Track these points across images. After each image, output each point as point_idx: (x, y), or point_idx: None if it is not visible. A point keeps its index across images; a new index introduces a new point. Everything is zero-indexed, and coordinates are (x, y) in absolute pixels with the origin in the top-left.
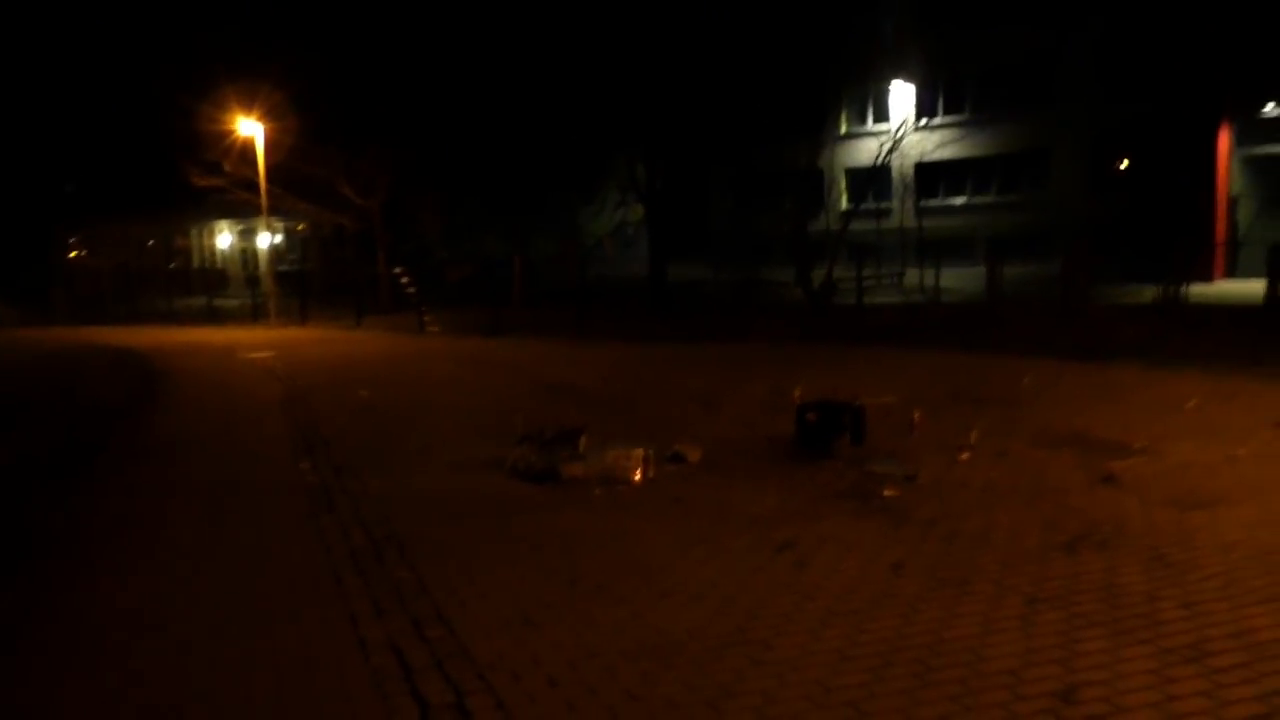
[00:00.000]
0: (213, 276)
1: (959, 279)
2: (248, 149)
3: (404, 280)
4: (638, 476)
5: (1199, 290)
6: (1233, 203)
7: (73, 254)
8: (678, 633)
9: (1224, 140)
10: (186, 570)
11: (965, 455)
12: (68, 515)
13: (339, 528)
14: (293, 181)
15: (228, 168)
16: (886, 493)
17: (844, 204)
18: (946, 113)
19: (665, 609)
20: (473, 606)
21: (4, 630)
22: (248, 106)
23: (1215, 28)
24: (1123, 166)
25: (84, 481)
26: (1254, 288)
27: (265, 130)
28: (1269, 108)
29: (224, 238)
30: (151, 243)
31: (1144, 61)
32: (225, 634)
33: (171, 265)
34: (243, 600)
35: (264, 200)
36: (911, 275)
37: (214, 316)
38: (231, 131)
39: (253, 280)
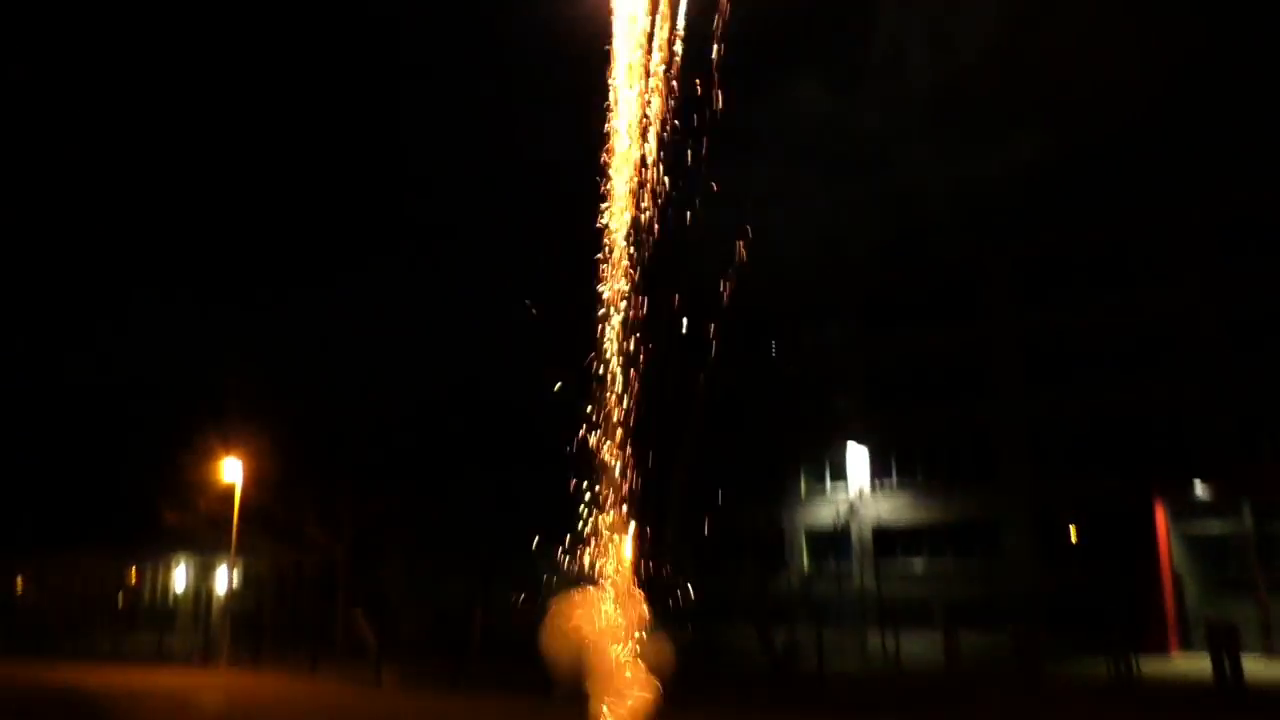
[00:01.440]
0: (164, 613)
1: (918, 644)
2: (224, 490)
3: (363, 627)
4: None
5: (1154, 664)
6: (1178, 578)
7: (19, 585)
8: None
9: (1160, 517)
10: None
11: None
12: None
13: None
14: (259, 520)
15: (202, 507)
16: None
17: (805, 562)
18: (900, 480)
19: None
20: None
21: None
22: (224, 448)
23: (1140, 412)
24: (1071, 540)
25: None
26: (1206, 663)
27: (243, 473)
28: (1198, 489)
29: (180, 572)
30: (103, 576)
31: (1076, 440)
32: None
33: (120, 599)
34: None
35: (234, 539)
36: (872, 639)
37: (163, 656)
38: (211, 477)
39: (204, 617)
